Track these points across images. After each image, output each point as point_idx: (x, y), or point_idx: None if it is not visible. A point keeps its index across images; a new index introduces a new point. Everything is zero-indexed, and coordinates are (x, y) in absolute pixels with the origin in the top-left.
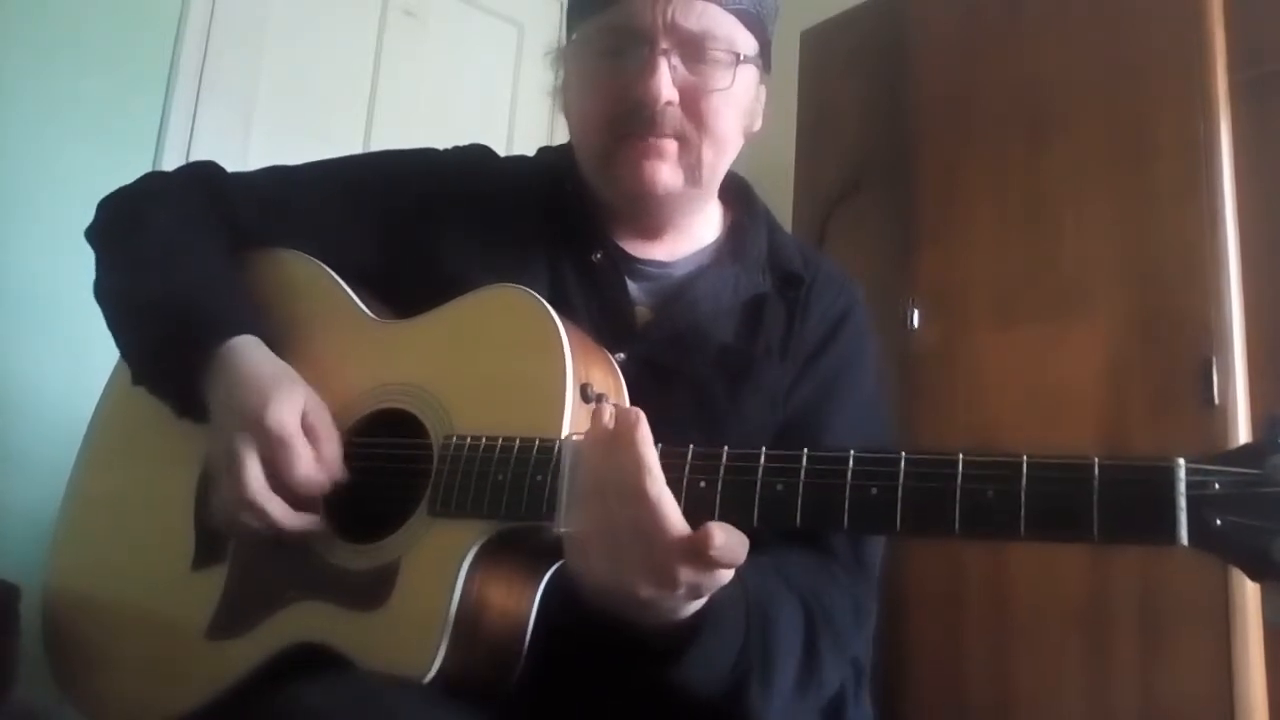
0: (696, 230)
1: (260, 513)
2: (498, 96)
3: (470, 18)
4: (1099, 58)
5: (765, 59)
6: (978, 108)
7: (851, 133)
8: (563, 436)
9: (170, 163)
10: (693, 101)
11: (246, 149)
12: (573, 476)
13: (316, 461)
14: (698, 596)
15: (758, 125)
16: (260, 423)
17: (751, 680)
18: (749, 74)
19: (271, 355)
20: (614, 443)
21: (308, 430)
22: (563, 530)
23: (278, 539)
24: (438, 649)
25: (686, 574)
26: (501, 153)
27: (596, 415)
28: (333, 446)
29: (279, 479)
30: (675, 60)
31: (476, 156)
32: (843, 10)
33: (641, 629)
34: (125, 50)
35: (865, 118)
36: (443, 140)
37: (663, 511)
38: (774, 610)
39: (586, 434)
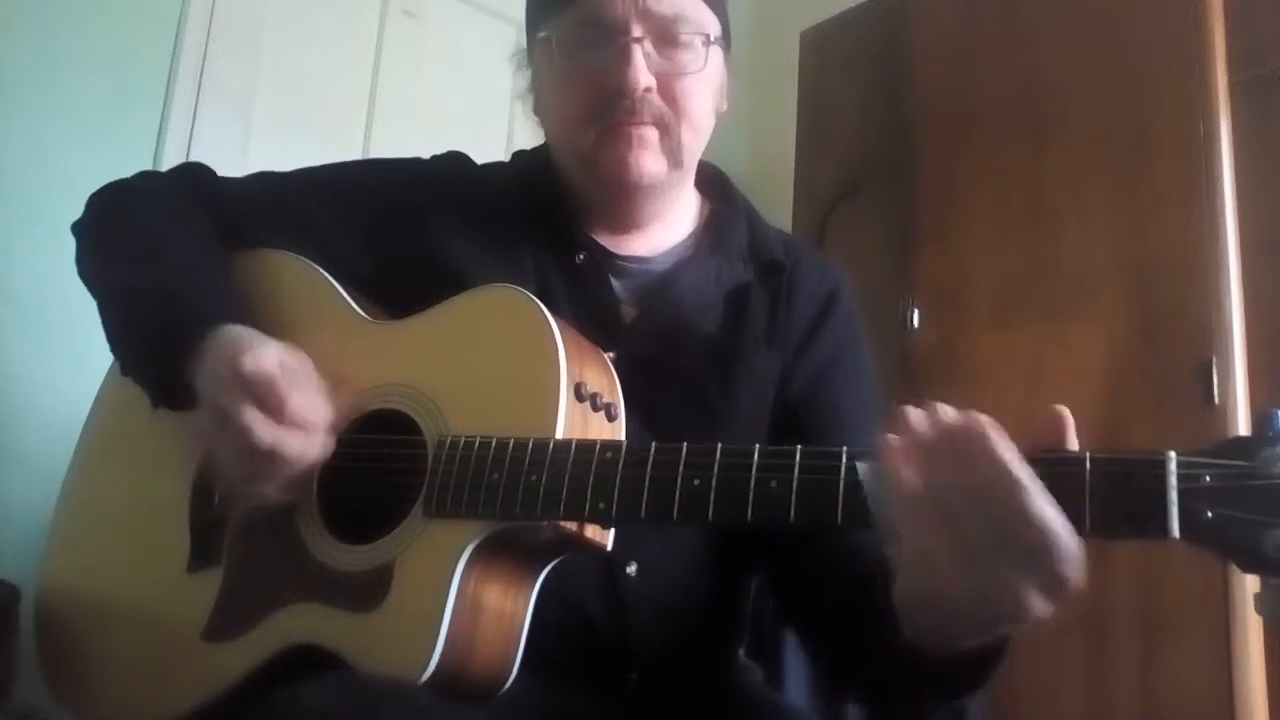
0: (675, 221)
1: (274, 452)
2: (497, 96)
3: (470, 18)
4: (1099, 58)
5: (728, 39)
6: (978, 108)
7: (851, 133)
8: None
9: (170, 164)
10: (668, 86)
11: (246, 150)
12: (889, 493)
13: (310, 392)
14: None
15: (725, 106)
16: (239, 373)
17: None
18: (717, 55)
19: (257, 333)
20: (959, 455)
21: (288, 374)
22: (900, 556)
23: (290, 497)
24: (434, 650)
25: (1076, 577)
26: (501, 154)
27: (903, 422)
28: (316, 388)
29: (283, 414)
30: (648, 47)
31: (457, 163)
32: (843, 10)
33: (961, 649)
34: (125, 51)
35: (865, 118)
36: (443, 140)
37: (1050, 531)
38: None
39: (892, 446)
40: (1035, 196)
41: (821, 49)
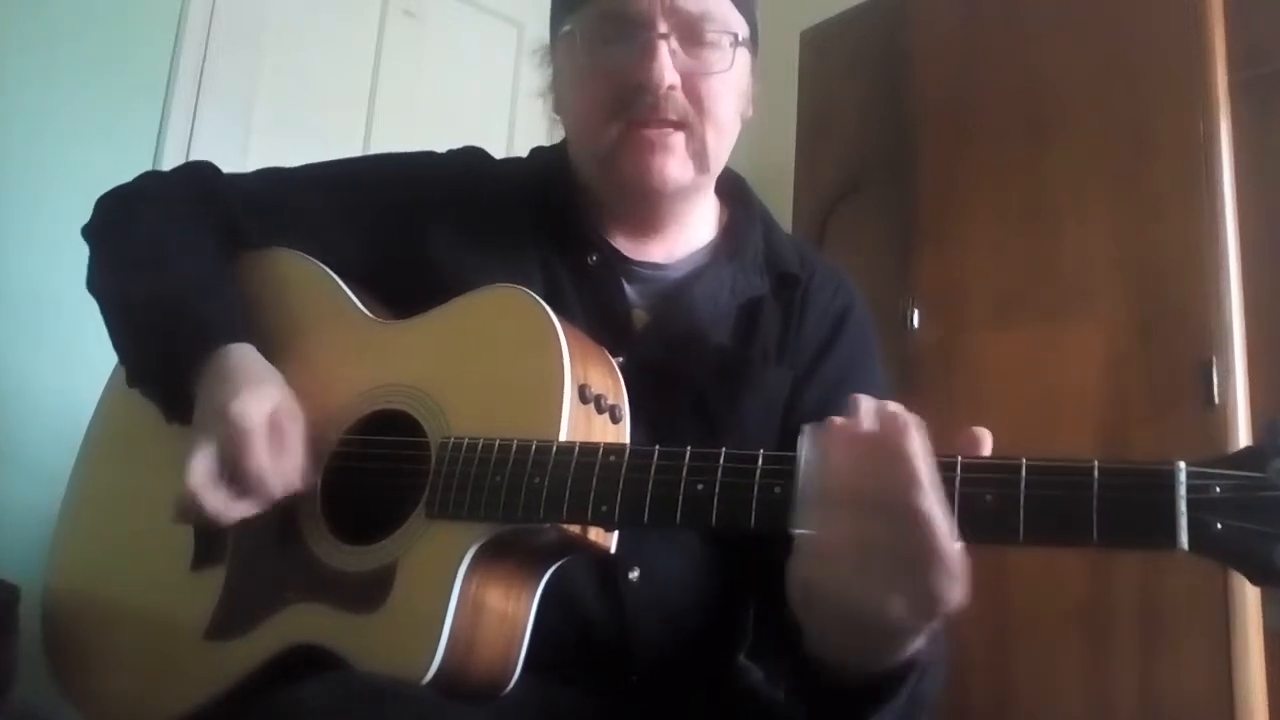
0: (693, 228)
1: (195, 504)
2: (498, 96)
3: (470, 18)
4: (1099, 58)
5: (755, 43)
6: (978, 108)
7: (851, 133)
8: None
9: (170, 163)
10: (693, 86)
11: (246, 149)
12: (815, 474)
13: (273, 458)
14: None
15: (750, 112)
16: (224, 413)
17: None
18: (744, 57)
19: (261, 360)
20: (878, 447)
21: (274, 428)
22: (799, 531)
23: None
24: (435, 652)
25: (952, 595)
26: (501, 153)
27: (854, 409)
28: (295, 451)
29: (233, 471)
30: (674, 44)
31: (472, 159)
32: (843, 10)
33: (855, 665)
34: (125, 51)
35: (865, 118)
36: (443, 140)
37: (934, 535)
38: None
39: (833, 427)
40: (1035, 196)
41: (821, 49)
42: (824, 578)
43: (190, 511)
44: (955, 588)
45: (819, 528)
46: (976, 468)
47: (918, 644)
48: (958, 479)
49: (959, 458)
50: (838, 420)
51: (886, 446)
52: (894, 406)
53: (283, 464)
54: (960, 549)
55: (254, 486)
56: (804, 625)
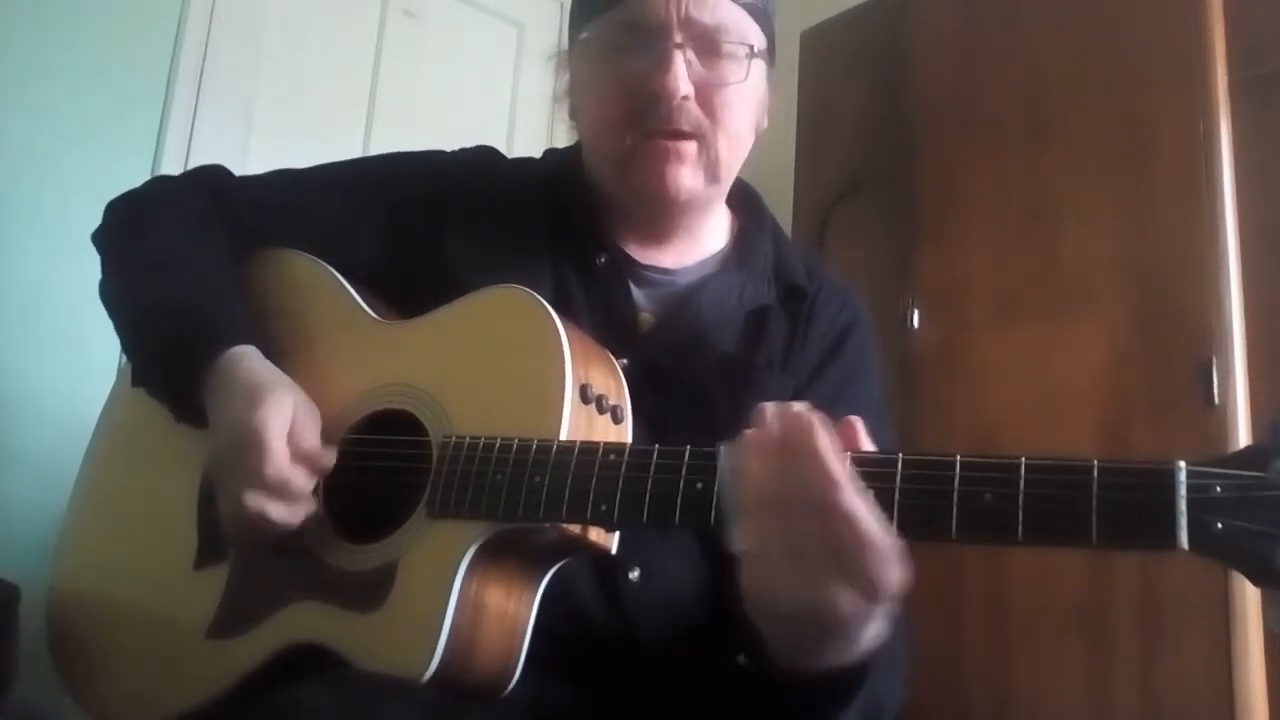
0: (705, 237)
1: (260, 520)
2: (498, 97)
3: (470, 18)
4: (1099, 58)
5: (772, 54)
6: (978, 108)
7: (851, 133)
8: (720, 447)
9: (170, 164)
10: (708, 97)
11: (246, 150)
12: (736, 486)
13: (293, 461)
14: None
15: (765, 123)
16: (245, 427)
17: (883, 713)
18: (760, 69)
19: (268, 365)
20: (786, 450)
21: (295, 432)
22: (739, 549)
23: (284, 540)
24: (434, 650)
25: (890, 578)
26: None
27: (760, 418)
28: (313, 440)
29: (262, 482)
30: (690, 55)
31: (483, 158)
32: (843, 10)
33: (815, 667)
34: (125, 51)
35: (865, 118)
36: (443, 141)
37: (860, 526)
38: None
39: (745, 439)
40: (1035, 196)
41: (821, 49)
42: (765, 581)
43: (258, 529)
44: (892, 571)
45: (750, 537)
46: (975, 466)
47: (871, 634)
48: (898, 476)
49: (900, 455)
50: (748, 432)
51: (796, 448)
52: (797, 407)
53: (302, 459)
54: (894, 534)
55: (285, 490)
56: (761, 631)
